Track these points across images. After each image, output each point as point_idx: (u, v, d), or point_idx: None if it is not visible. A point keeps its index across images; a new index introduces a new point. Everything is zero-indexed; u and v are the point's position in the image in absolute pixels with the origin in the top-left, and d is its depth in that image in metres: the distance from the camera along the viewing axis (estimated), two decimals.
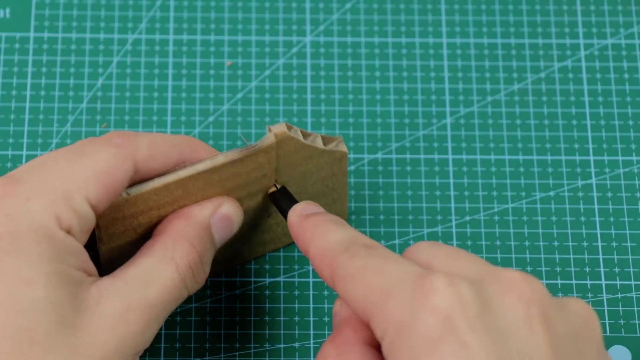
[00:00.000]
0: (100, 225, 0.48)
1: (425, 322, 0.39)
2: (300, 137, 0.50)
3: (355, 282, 0.42)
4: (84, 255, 0.45)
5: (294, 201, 0.50)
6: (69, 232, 0.44)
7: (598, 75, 0.60)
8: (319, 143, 0.51)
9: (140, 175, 0.47)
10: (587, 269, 0.56)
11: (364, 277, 0.42)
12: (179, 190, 0.49)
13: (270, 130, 0.49)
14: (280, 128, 0.49)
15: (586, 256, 0.56)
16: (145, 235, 0.49)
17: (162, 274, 0.46)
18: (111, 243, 0.49)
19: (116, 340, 0.44)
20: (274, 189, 0.51)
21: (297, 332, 0.54)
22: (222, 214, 0.50)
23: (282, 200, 0.51)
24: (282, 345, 0.54)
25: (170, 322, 0.54)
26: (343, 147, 0.52)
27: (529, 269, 0.56)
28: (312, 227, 0.46)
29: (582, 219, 0.57)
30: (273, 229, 0.54)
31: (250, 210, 0.52)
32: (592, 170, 0.58)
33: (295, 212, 0.48)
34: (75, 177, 0.45)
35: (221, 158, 0.49)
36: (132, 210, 0.48)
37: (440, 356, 0.39)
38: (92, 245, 0.49)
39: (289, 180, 0.51)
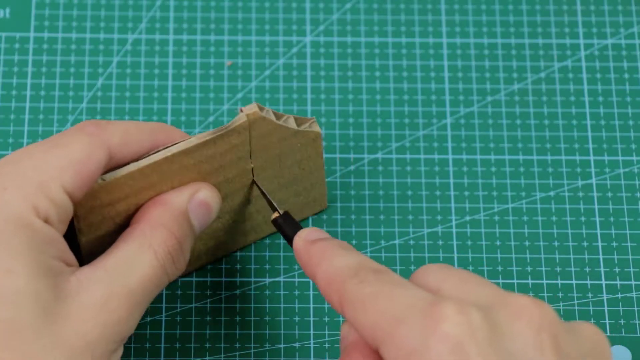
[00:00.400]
0: (79, 215, 0.48)
1: (436, 349, 0.40)
2: (273, 118, 0.50)
3: (365, 309, 0.42)
4: (63, 245, 0.45)
5: (298, 227, 0.49)
6: (46, 221, 0.44)
7: (598, 75, 0.60)
8: (292, 123, 0.51)
9: (114, 162, 0.47)
10: (587, 269, 0.56)
11: (373, 303, 0.42)
12: (155, 175, 0.48)
13: (242, 110, 0.49)
14: (251, 108, 0.49)
15: (586, 256, 0.56)
16: (123, 225, 0.49)
17: (141, 261, 0.46)
18: (90, 234, 0.49)
19: (99, 328, 0.44)
20: (276, 214, 0.51)
21: (297, 332, 0.54)
22: (200, 200, 0.50)
23: (286, 225, 0.50)
24: (282, 345, 0.54)
25: (171, 322, 0.54)
26: (316, 127, 0.52)
27: (529, 269, 0.56)
28: (319, 253, 0.46)
29: (582, 219, 0.57)
30: (254, 216, 0.54)
31: (229, 197, 0.52)
32: (592, 170, 0.58)
33: (301, 238, 0.48)
34: (50, 167, 0.45)
35: (194, 139, 0.49)
36: (109, 197, 0.48)
37: None
38: (72, 239, 0.49)
39: (264, 163, 0.51)
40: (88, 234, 0.49)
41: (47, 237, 0.44)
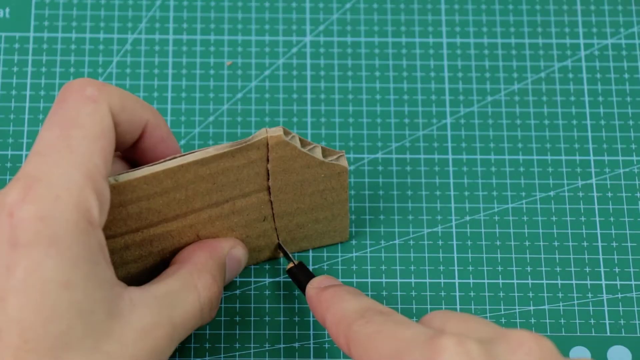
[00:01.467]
0: None
1: None
2: (298, 144, 0.50)
3: (369, 347, 0.43)
4: (107, 248, 0.45)
5: (311, 275, 0.52)
6: (94, 222, 0.44)
7: (598, 75, 0.60)
8: (318, 153, 0.51)
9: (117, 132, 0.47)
10: (587, 269, 0.56)
11: (378, 341, 0.43)
12: (169, 180, 0.48)
13: (266, 131, 0.49)
14: (276, 132, 0.49)
15: (586, 256, 0.56)
16: (134, 228, 0.49)
17: (186, 298, 0.47)
18: None
19: (143, 353, 0.44)
20: (291, 264, 0.53)
21: (297, 332, 0.54)
22: (234, 255, 0.51)
23: (300, 274, 0.52)
24: (282, 346, 0.54)
25: None
26: (344, 162, 0.51)
27: (529, 269, 0.56)
28: (329, 298, 0.48)
29: (582, 219, 0.57)
30: (269, 234, 0.54)
31: (244, 211, 0.52)
32: (592, 170, 0.58)
33: (313, 285, 0.50)
34: (85, 157, 0.44)
35: (211, 150, 0.49)
36: (120, 198, 0.48)
37: None
38: None
39: (284, 186, 0.51)
40: None
41: (98, 243, 0.44)
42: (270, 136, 0.49)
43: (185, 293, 0.47)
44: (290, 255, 0.53)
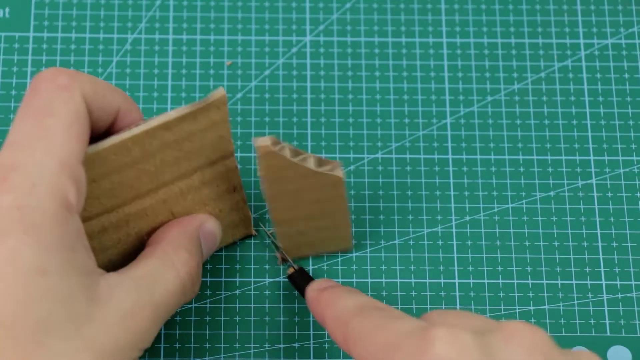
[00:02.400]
0: None
1: None
2: (287, 155, 0.50)
3: (366, 341, 0.44)
4: (85, 235, 0.45)
5: (310, 279, 0.52)
6: (71, 208, 0.44)
7: (598, 75, 0.60)
8: (311, 164, 0.51)
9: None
10: (588, 269, 0.56)
11: (374, 335, 0.44)
12: (137, 149, 0.48)
13: (255, 142, 0.49)
14: (264, 142, 0.49)
15: (586, 256, 0.56)
16: (109, 207, 0.49)
17: (165, 277, 0.48)
18: None
19: (128, 335, 0.44)
20: (292, 270, 0.53)
21: (297, 332, 0.54)
22: (207, 229, 0.52)
23: (300, 280, 0.53)
24: (282, 346, 0.54)
25: (170, 322, 0.54)
26: (339, 172, 0.51)
27: (529, 269, 0.56)
28: (327, 298, 0.48)
29: (583, 219, 0.57)
30: (241, 206, 0.54)
31: (213, 182, 0.52)
32: (593, 170, 0.58)
33: (312, 287, 0.50)
34: (59, 144, 0.44)
35: (173, 113, 0.49)
36: (91, 172, 0.48)
37: None
38: None
39: (279, 194, 0.51)
40: None
41: (76, 229, 0.44)
42: (258, 146, 0.49)
43: (163, 271, 0.48)
44: (291, 261, 0.54)
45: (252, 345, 0.53)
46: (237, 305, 0.54)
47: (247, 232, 0.55)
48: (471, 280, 0.55)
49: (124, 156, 0.48)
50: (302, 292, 0.52)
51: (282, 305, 0.54)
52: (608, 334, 0.54)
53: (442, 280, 0.55)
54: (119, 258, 0.51)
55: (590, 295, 0.55)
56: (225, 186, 0.53)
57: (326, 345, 0.54)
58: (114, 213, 0.50)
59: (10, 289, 0.42)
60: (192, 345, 0.53)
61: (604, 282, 0.55)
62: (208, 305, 0.54)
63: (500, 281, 0.55)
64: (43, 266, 0.42)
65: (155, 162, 0.50)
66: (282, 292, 0.55)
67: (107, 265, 0.51)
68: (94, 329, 0.43)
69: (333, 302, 0.48)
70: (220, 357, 0.53)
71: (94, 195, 0.49)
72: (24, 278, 0.42)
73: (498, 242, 0.56)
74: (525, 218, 0.57)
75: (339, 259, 0.56)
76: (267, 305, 0.54)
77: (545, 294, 0.55)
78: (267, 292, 0.55)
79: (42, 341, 0.42)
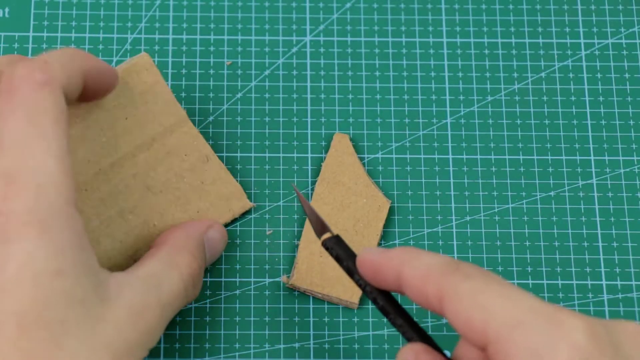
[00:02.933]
0: None
1: (564, 356, 0.40)
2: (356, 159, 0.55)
3: (476, 304, 0.42)
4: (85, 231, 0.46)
5: (349, 248, 0.48)
6: (76, 204, 0.44)
7: (599, 75, 0.60)
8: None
9: None
10: (588, 269, 0.56)
11: (485, 299, 0.42)
12: (78, 121, 0.50)
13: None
14: (343, 137, 0.55)
15: (587, 256, 0.56)
16: (78, 189, 0.51)
17: (169, 278, 0.48)
18: None
19: (137, 334, 0.45)
20: (328, 235, 0.49)
21: (297, 332, 0.54)
22: (211, 237, 0.53)
23: (337, 247, 0.48)
24: (282, 346, 0.54)
25: (171, 322, 0.54)
26: (385, 200, 0.55)
27: (529, 269, 0.55)
28: (401, 254, 0.45)
29: (583, 219, 0.57)
30: (222, 176, 0.55)
31: (179, 151, 0.54)
32: (593, 170, 0.58)
33: (370, 251, 0.47)
34: (54, 141, 0.44)
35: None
36: None
37: None
38: None
39: (328, 193, 0.55)
40: None
41: (81, 227, 0.44)
42: (337, 133, 0.55)
43: (168, 272, 0.48)
44: (327, 224, 0.50)
45: (252, 345, 0.53)
46: (237, 305, 0.54)
47: (243, 205, 0.55)
48: None
49: (72, 129, 0.50)
50: (340, 261, 0.49)
51: (282, 305, 0.54)
52: None
53: None
54: (109, 241, 0.52)
55: (590, 295, 0.55)
56: (196, 155, 0.54)
57: (326, 346, 0.54)
58: (83, 192, 0.51)
59: (29, 293, 0.42)
60: (192, 345, 0.53)
61: (604, 283, 0.55)
62: (208, 305, 0.54)
63: None
64: (59, 268, 0.43)
65: (105, 133, 0.51)
66: (282, 292, 0.55)
67: (97, 250, 0.52)
68: (107, 328, 0.44)
69: (413, 258, 0.45)
70: (220, 357, 0.53)
71: None
72: (41, 281, 0.42)
73: (498, 242, 0.56)
74: (525, 218, 0.57)
75: None
76: (267, 305, 0.54)
77: (546, 294, 0.55)
78: (267, 292, 0.55)
79: (61, 342, 0.42)
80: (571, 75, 0.60)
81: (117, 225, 0.52)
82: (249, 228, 0.56)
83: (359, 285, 0.47)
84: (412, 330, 0.46)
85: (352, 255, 0.48)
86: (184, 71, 0.59)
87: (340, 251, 0.48)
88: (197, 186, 0.54)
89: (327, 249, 0.49)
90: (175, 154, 0.53)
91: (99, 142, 0.51)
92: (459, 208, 0.57)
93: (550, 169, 0.58)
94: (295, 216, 0.56)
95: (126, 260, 0.53)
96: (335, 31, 0.61)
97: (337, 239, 0.48)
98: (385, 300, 0.46)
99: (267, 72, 0.60)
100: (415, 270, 0.44)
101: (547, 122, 0.59)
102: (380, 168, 0.58)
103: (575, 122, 0.59)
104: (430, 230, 0.56)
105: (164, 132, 0.53)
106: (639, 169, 0.58)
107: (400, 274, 0.45)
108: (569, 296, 0.55)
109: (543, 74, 0.60)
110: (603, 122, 0.59)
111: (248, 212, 0.56)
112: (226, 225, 0.55)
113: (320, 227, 0.49)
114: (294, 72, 0.60)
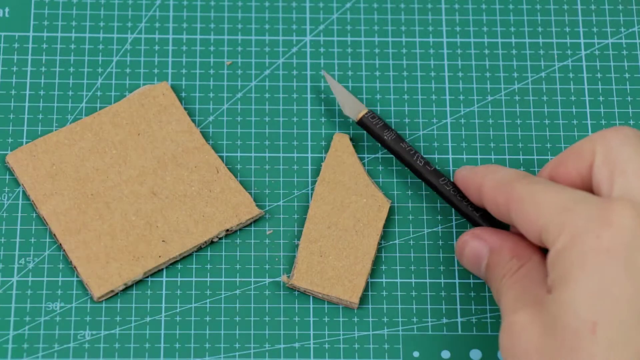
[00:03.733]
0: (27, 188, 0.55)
1: (608, 237, 0.43)
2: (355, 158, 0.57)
3: (534, 201, 0.46)
4: None
5: (382, 120, 0.56)
6: None
7: (599, 75, 0.60)
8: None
9: None
10: None
11: (543, 196, 0.46)
12: (89, 133, 0.56)
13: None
14: (348, 132, 0.56)
15: None
16: (82, 189, 0.55)
17: None
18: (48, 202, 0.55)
19: None
20: (364, 113, 0.56)
21: (297, 332, 0.54)
22: None
23: (371, 124, 0.56)
24: (282, 346, 0.54)
25: (170, 322, 0.54)
26: (385, 199, 0.56)
27: None
28: (484, 169, 0.51)
29: None
30: (232, 186, 0.56)
31: (189, 163, 0.56)
32: None
33: (462, 168, 0.53)
34: None
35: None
36: (52, 156, 0.56)
37: (609, 268, 0.42)
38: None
39: (328, 193, 0.56)
40: (45, 202, 0.55)
41: None
42: (337, 133, 0.55)
43: None
44: (357, 99, 0.57)
45: (252, 345, 0.53)
46: (237, 305, 0.54)
47: (250, 211, 0.55)
48: (471, 281, 0.55)
49: (76, 140, 0.55)
50: (374, 134, 0.56)
51: (282, 305, 0.54)
52: None
53: (442, 280, 0.55)
54: (111, 240, 0.54)
55: None
56: (206, 168, 0.55)
57: (326, 346, 0.54)
58: (89, 196, 0.54)
59: None
60: (192, 345, 0.53)
61: None
62: (208, 305, 0.54)
63: None
64: None
65: (116, 146, 0.55)
66: (282, 292, 0.55)
67: (98, 249, 0.54)
68: None
69: (492, 172, 0.50)
70: (220, 357, 0.53)
71: (58, 176, 0.54)
72: None
73: None
74: None
75: None
76: (267, 305, 0.54)
77: None
78: (267, 292, 0.55)
79: None
80: (571, 75, 0.60)
81: (119, 225, 0.54)
82: (249, 228, 0.56)
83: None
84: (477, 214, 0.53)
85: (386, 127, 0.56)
86: (184, 71, 0.59)
87: (372, 127, 0.56)
88: (204, 194, 0.55)
89: (363, 126, 0.56)
90: (185, 166, 0.55)
91: (109, 154, 0.55)
92: None
93: None
94: (295, 216, 0.56)
95: (128, 260, 0.53)
96: (335, 31, 0.61)
97: (372, 113, 0.56)
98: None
99: (267, 72, 0.60)
100: (492, 182, 0.49)
101: (547, 122, 0.59)
102: (380, 168, 0.58)
103: (575, 122, 0.59)
104: (430, 230, 0.56)
105: (175, 147, 0.56)
106: None
107: (482, 185, 0.50)
108: None
109: (543, 74, 0.60)
110: (603, 122, 0.59)
111: (260, 219, 0.56)
112: (232, 231, 0.55)
113: (358, 106, 0.56)
114: (294, 72, 0.60)
